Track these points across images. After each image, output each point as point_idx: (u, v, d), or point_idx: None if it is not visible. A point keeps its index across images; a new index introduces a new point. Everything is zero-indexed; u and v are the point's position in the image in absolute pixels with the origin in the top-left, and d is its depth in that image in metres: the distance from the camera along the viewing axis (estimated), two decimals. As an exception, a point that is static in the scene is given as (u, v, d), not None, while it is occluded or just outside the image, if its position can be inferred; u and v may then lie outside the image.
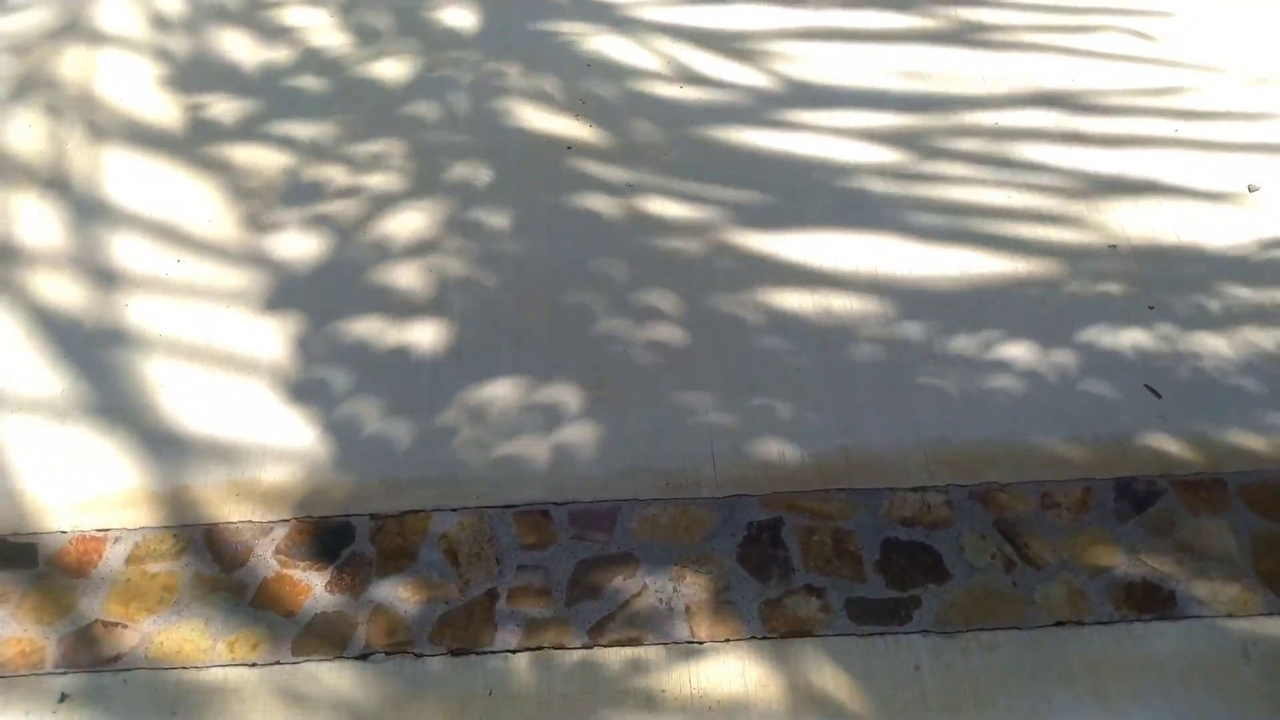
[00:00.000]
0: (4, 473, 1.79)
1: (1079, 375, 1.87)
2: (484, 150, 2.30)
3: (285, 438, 1.82)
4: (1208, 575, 1.62)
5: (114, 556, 1.68)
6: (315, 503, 1.73)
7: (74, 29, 2.57)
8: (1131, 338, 1.92)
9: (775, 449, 1.78)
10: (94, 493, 1.76)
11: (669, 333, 1.96)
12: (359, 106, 2.40)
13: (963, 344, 1.93)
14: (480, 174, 2.25)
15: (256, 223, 2.16)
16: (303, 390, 1.88)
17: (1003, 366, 1.89)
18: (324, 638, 1.59)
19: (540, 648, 1.57)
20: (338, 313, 2.00)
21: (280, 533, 1.70)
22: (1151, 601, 1.59)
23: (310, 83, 2.46)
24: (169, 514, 1.73)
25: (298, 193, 2.21)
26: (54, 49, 2.51)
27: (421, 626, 1.59)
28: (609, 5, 2.64)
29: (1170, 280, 2.02)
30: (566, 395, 1.87)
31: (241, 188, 2.22)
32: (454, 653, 1.57)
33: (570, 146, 2.30)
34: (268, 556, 1.67)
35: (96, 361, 1.93)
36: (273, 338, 1.96)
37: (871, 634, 1.57)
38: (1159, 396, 1.84)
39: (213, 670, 1.56)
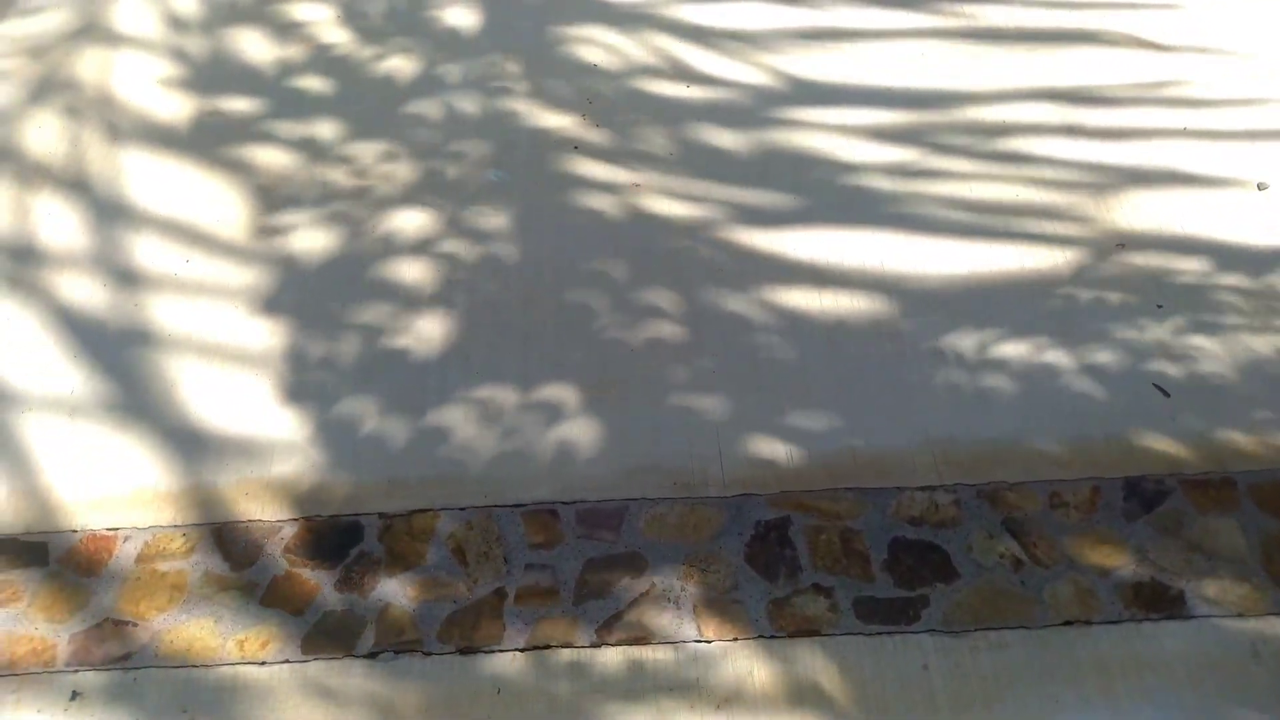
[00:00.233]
0: (16, 471, 1.80)
1: (1087, 374, 1.87)
2: (489, 149, 2.30)
3: (294, 437, 1.82)
4: (1217, 575, 1.61)
5: (124, 555, 1.69)
6: (324, 502, 1.74)
7: (91, 30, 2.58)
8: (1140, 336, 1.92)
9: (783, 448, 1.78)
10: (104, 491, 1.77)
11: (676, 331, 1.96)
12: (366, 105, 2.40)
13: (970, 342, 1.92)
14: (486, 173, 2.25)
15: (266, 221, 2.17)
16: (312, 389, 1.89)
17: (1010, 365, 1.89)
18: (333, 636, 1.59)
19: (548, 646, 1.57)
20: (346, 312, 2.01)
21: (289, 531, 1.70)
22: (1160, 601, 1.59)
23: (319, 82, 2.47)
24: (179, 513, 1.73)
25: (306, 191, 2.22)
26: (71, 50, 2.52)
27: (430, 625, 1.60)
28: (613, 4, 2.64)
29: (1179, 277, 2.01)
30: (573, 394, 1.87)
31: (252, 186, 2.23)
32: (462, 651, 1.57)
33: (576, 146, 2.30)
34: (277, 555, 1.68)
35: (107, 360, 1.94)
36: (282, 336, 1.97)
37: (879, 633, 1.57)
38: (1167, 395, 1.83)
39: (222, 668, 1.56)
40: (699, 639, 1.57)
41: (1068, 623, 1.57)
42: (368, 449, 1.81)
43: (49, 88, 2.44)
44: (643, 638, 1.57)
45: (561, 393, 1.87)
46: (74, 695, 1.54)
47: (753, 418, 1.83)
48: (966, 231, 2.11)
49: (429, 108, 2.40)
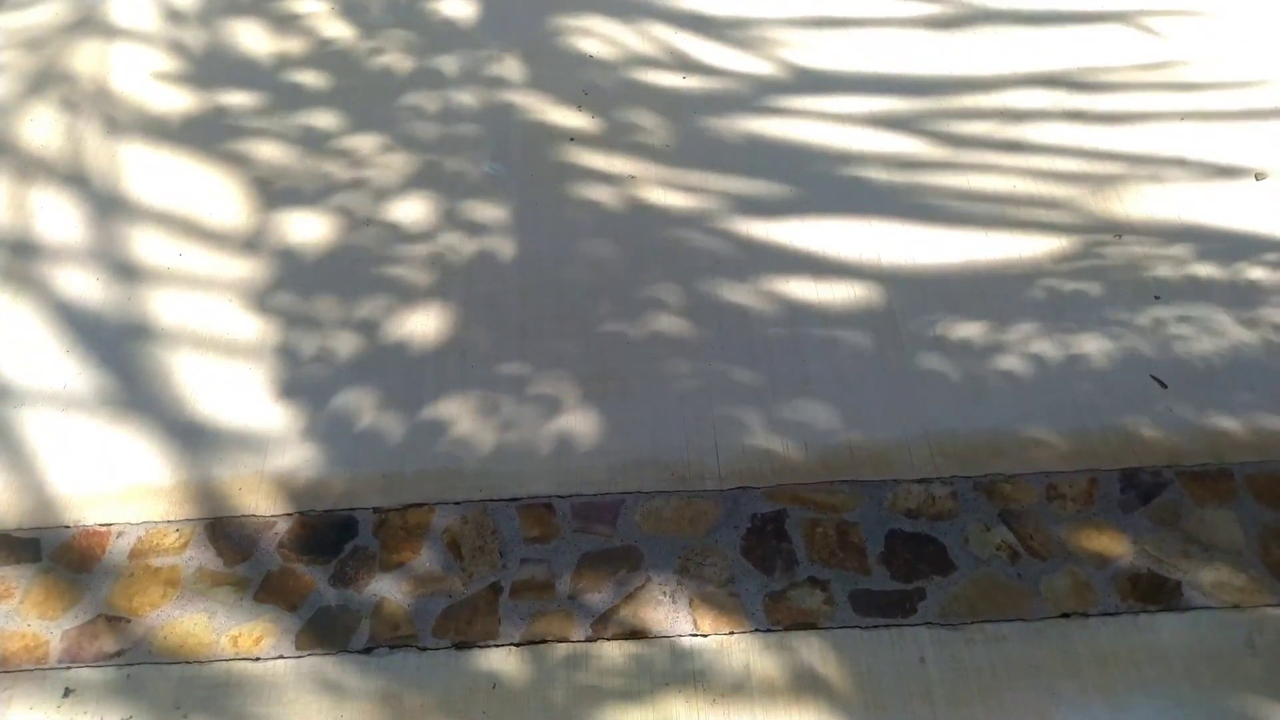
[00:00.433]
0: (9, 466, 1.79)
1: (1084, 365, 1.86)
2: (486, 141, 2.29)
3: (289, 431, 1.81)
4: (1214, 566, 1.61)
5: (118, 551, 1.68)
6: (319, 496, 1.73)
7: (87, 23, 2.56)
8: (1138, 327, 1.91)
9: (779, 441, 1.78)
10: (98, 486, 1.76)
11: (672, 324, 1.95)
12: (363, 98, 2.39)
13: (967, 334, 1.92)
14: (483, 165, 2.24)
15: (262, 214, 2.15)
16: (307, 383, 1.88)
17: (1007, 357, 1.88)
18: (328, 632, 1.58)
19: (544, 641, 1.56)
20: (342, 306, 1.99)
21: (284, 526, 1.70)
22: (1157, 593, 1.59)
23: (316, 75, 2.45)
24: (173, 508, 1.73)
25: (303, 184, 2.21)
26: (68, 43, 2.51)
27: (425, 620, 1.59)
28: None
29: (1176, 268, 2.00)
30: (570, 387, 1.86)
31: (248, 179, 2.22)
32: (458, 646, 1.56)
33: (573, 138, 2.29)
34: (271, 550, 1.67)
35: (101, 355, 1.93)
36: (278, 330, 1.96)
37: (876, 626, 1.56)
38: (1165, 387, 1.83)
39: (217, 664, 1.56)
40: (695, 633, 1.57)
41: (1065, 615, 1.57)
42: (363, 443, 1.80)
43: (45, 81, 2.43)
44: (639, 632, 1.57)
45: (557, 386, 1.87)
46: (67, 692, 1.53)
47: (749, 411, 1.82)
48: (964, 221, 2.10)
49: (426, 100, 2.39)
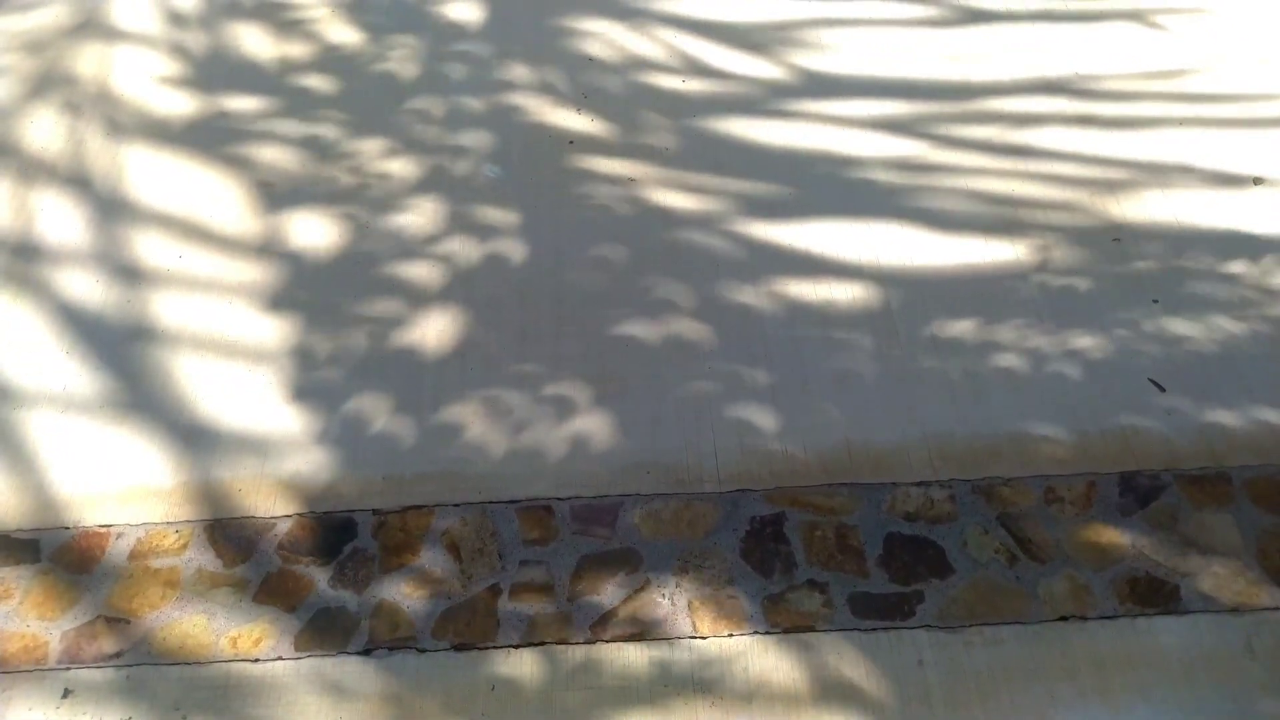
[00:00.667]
0: (8, 467, 1.79)
1: (1083, 369, 1.87)
2: (488, 144, 2.29)
3: (289, 433, 1.81)
4: (1212, 569, 1.61)
5: (117, 552, 1.68)
6: (318, 498, 1.73)
7: (89, 25, 2.57)
8: (1136, 331, 1.92)
9: (778, 443, 1.78)
10: (97, 488, 1.76)
11: (671, 326, 1.95)
12: (365, 101, 2.40)
13: (965, 337, 1.92)
14: (482, 169, 2.24)
15: (263, 217, 2.16)
16: (307, 386, 1.88)
17: (1006, 359, 1.88)
18: (327, 633, 1.59)
19: (543, 643, 1.57)
20: (343, 308, 2.00)
21: (283, 528, 1.70)
22: (1156, 596, 1.59)
23: (319, 78, 2.46)
24: (172, 509, 1.73)
25: (303, 187, 2.21)
26: (70, 46, 2.51)
27: (424, 622, 1.59)
28: (628, 1, 2.63)
29: (1175, 272, 2.01)
30: (569, 390, 1.86)
31: (250, 182, 2.22)
32: (457, 648, 1.57)
33: (572, 141, 2.29)
34: (271, 552, 1.67)
35: (101, 356, 1.93)
36: (277, 333, 1.96)
37: (874, 629, 1.56)
38: (1163, 390, 1.83)
39: (216, 665, 1.56)
40: (694, 635, 1.57)
41: (1063, 618, 1.57)
42: (362, 445, 1.80)
43: (47, 83, 2.43)
44: (637, 634, 1.57)
45: (557, 389, 1.87)
46: (66, 693, 1.54)
47: (748, 413, 1.82)
48: (963, 224, 2.10)
49: (428, 104, 2.39)
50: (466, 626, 1.59)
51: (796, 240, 2.08)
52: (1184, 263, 2.02)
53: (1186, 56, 2.43)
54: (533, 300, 2.01)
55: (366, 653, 1.56)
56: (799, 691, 1.51)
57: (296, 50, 2.52)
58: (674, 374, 1.88)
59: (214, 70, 2.47)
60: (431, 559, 1.66)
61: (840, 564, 1.63)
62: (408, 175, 2.23)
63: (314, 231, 2.13)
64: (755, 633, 1.57)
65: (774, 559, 1.64)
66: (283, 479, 1.76)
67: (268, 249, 2.10)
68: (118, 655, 1.57)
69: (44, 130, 2.32)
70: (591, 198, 2.18)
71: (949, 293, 1.99)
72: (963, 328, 1.93)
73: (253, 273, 2.06)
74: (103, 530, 1.71)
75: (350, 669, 1.55)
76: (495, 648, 1.56)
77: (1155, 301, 1.96)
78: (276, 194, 2.20)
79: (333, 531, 1.69)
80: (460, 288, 2.03)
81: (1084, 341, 1.90)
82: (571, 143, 2.29)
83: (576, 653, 1.56)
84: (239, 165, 2.26)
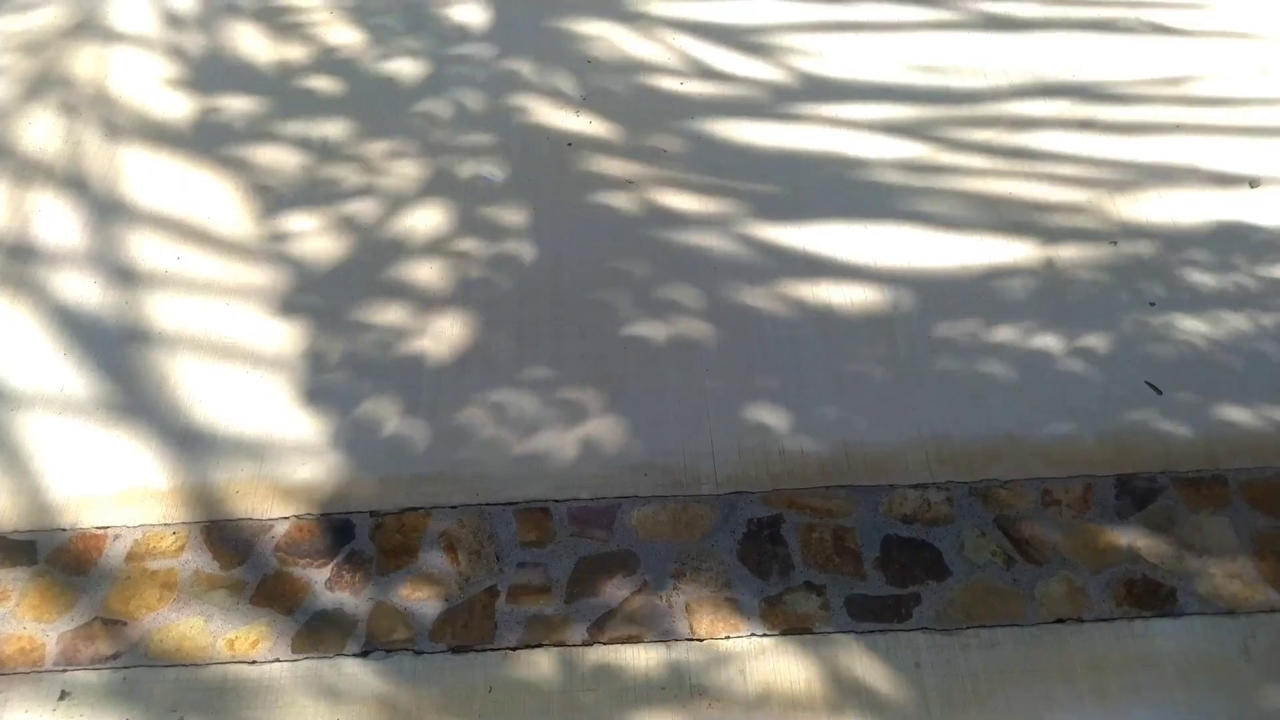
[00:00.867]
0: (5, 469, 1.79)
1: (1080, 371, 1.87)
2: (488, 147, 2.29)
3: (286, 435, 1.81)
4: (1208, 572, 1.62)
5: (114, 554, 1.68)
6: (315, 500, 1.73)
7: (87, 27, 2.57)
8: (1133, 333, 1.92)
9: (775, 445, 1.78)
10: (94, 490, 1.76)
11: (669, 329, 1.96)
12: (366, 103, 2.39)
13: (963, 339, 1.92)
14: (485, 171, 2.24)
15: (260, 219, 2.16)
16: (304, 388, 1.88)
17: (1003, 362, 1.89)
18: (324, 634, 1.58)
19: (540, 645, 1.57)
20: (340, 309, 2.00)
21: (280, 530, 1.70)
22: (1152, 598, 1.59)
23: (318, 80, 2.45)
24: (169, 511, 1.73)
25: (300, 188, 2.21)
26: (67, 47, 2.51)
27: (422, 624, 1.59)
28: (625, 3, 2.63)
29: (1172, 274, 2.01)
30: (567, 392, 1.86)
31: (247, 184, 2.22)
32: (454, 650, 1.57)
33: (570, 143, 2.29)
34: (268, 554, 1.67)
35: (98, 358, 1.93)
36: (274, 336, 1.96)
37: (871, 631, 1.57)
38: (1160, 393, 1.84)
39: (213, 667, 1.56)
40: (691, 637, 1.57)
41: (1060, 620, 1.57)
42: (360, 447, 1.80)
43: (45, 84, 2.43)
44: (635, 636, 1.57)
45: (555, 391, 1.87)
46: (63, 695, 1.53)
47: (746, 415, 1.82)
48: (960, 226, 2.11)
49: (428, 106, 2.39)
50: (464, 628, 1.59)
51: (795, 242, 2.09)
52: (1181, 265, 2.03)
53: (1188, 62, 2.44)
54: (531, 302, 2.01)
55: (364, 655, 1.56)
56: (796, 694, 1.51)
57: (295, 52, 2.52)
58: (672, 376, 1.88)
59: (212, 72, 2.47)
60: (429, 561, 1.66)
61: (837, 566, 1.64)
62: (406, 177, 2.23)
63: (311, 233, 2.13)
64: (752, 635, 1.57)
65: (771, 561, 1.64)
66: (280, 481, 1.76)
67: (265, 251, 2.10)
68: (115, 657, 1.57)
69: (41, 131, 2.32)
70: (590, 200, 2.18)
71: (947, 295, 1.99)
72: (961, 330, 1.94)
73: (250, 275, 2.06)
74: (100, 532, 1.70)
75: (348, 671, 1.55)
76: (493, 650, 1.56)
77: (1152, 304, 1.96)
78: (274, 196, 2.20)
79: (330, 533, 1.69)
80: (458, 290, 2.03)
81: (1081, 344, 1.91)
82: (570, 144, 2.29)
83: (574, 655, 1.56)
84: (237, 167, 2.26)
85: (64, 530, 1.71)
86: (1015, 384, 1.85)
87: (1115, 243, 2.07)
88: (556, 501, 1.72)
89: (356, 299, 2.01)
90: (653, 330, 1.95)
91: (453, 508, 1.72)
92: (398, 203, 2.18)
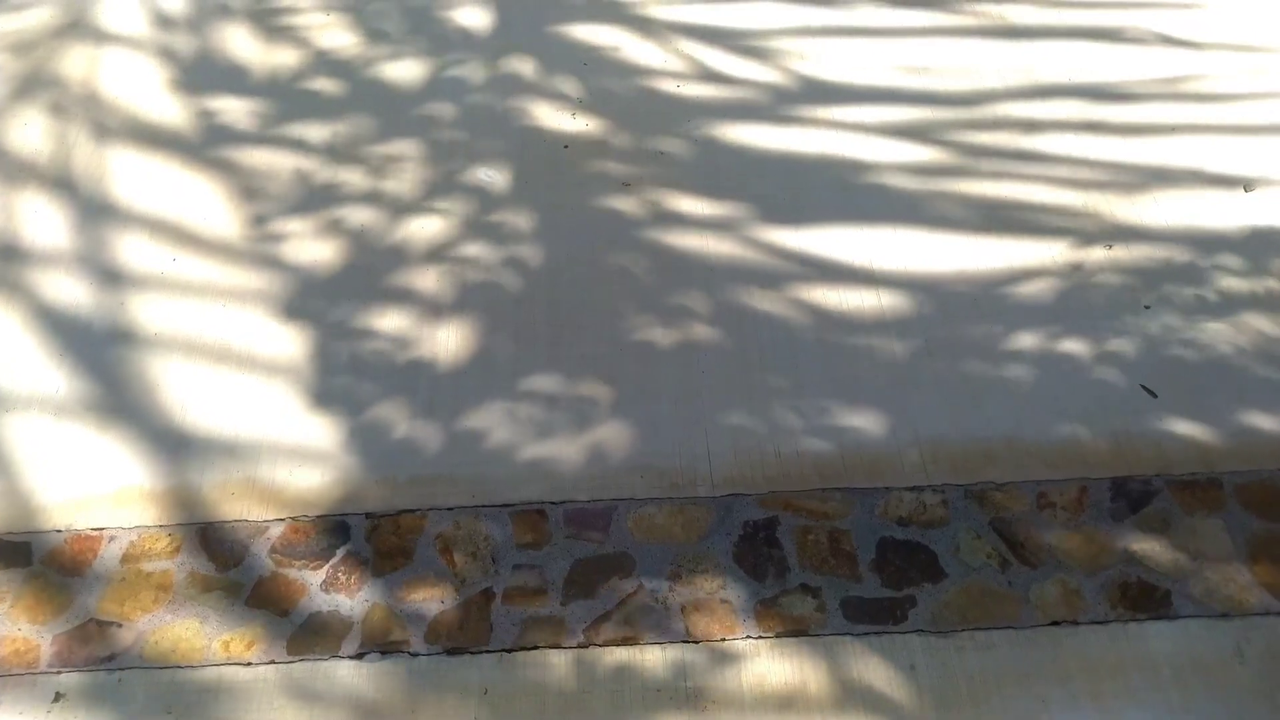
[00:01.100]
0: (0, 471, 1.79)
1: (1075, 374, 1.87)
2: (491, 150, 2.29)
3: (281, 437, 1.81)
4: (1203, 575, 1.62)
5: (109, 555, 1.68)
6: (311, 502, 1.73)
7: (77, 27, 2.56)
8: (1128, 336, 1.92)
9: (772, 447, 1.78)
10: (89, 491, 1.75)
11: (666, 331, 1.96)
12: (360, 105, 2.39)
13: (959, 341, 1.92)
14: (482, 172, 2.24)
15: (258, 222, 2.15)
16: (299, 391, 1.88)
17: (998, 364, 1.89)
18: (320, 636, 1.58)
19: (536, 647, 1.57)
20: (334, 312, 2.00)
21: (276, 532, 1.70)
22: (1147, 601, 1.59)
23: (311, 81, 2.45)
24: (164, 513, 1.72)
25: (293, 192, 2.21)
26: (57, 47, 2.50)
27: (417, 625, 1.59)
28: (618, 4, 2.64)
29: (1167, 277, 2.02)
30: (564, 394, 1.86)
31: (249, 188, 2.22)
32: (450, 652, 1.56)
33: (567, 145, 2.30)
34: (263, 555, 1.67)
35: (92, 360, 1.93)
36: (266, 336, 1.96)
37: (867, 633, 1.57)
38: (1155, 396, 1.84)
39: (208, 669, 1.55)
40: (687, 639, 1.57)
41: (1054, 623, 1.57)
42: (355, 449, 1.80)
43: (34, 85, 2.42)
44: (631, 638, 1.57)
45: (551, 393, 1.87)
46: (57, 696, 1.53)
47: (742, 417, 1.83)
48: (958, 228, 2.11)
49: (427, 108, 2.39)
50: (460, 630, 1.59)
51: (792, 244, 2.09)
52: (1176, 269, 2.03)
53: (1190, 64, 2.44)
54: (528, 304, 2.01)
55: (359, 657, 1.56)
56: (791, 696, 1.51)
57: (292, 55, 2.52)
58: (669, 378, 1.88)
59: (207, 74, 2.47)
60: (425, 563, 1.66)
61: (833, 568, 1.64)
62: (403, 179, 2.23)
63: (305, 236, 2.12)
64: (748, 637, 1.57)
65: (767, 563, 1.64)
66: (275, 483, 1.76)
67: (260, 254, 2.10)
68: (109, 659, 1.57)
69: (32, 132, 2.31)
70: (588, 201, 2.18)
71: (942, 296, 1.99)
72: (956, 333, 1.94)
73: (245, 278, 2.06)
74: (95, 534, 1.70)
75: (343, 673, 1.55)
76: (489, 652, 1.56)
77: (1147, 307, 1.97)
78: (267, 198, 2.19)
79: (326, 535, 1.69)
80: (454, 292, 2.03)
81: (1076, 347, 1.91)
82: (566, 147, 2.29)
83: (570, 657, 1.56)
84: (232, 170, 2.26)
85: (59, 532, 1.71)
86: (1011, 387, 1.86)
87: (1110, 246, 2.07)
88: (553, 503, 1.72)
89: (352, 302, 2.01)
90: (650, 332, 1.95)
91: (449, 509, 1.72)
92: (394, 205, 2.18)
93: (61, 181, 2.23)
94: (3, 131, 2.33)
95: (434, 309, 2.00)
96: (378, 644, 1.57)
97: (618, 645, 1.57)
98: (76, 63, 2.47)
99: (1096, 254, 2.06)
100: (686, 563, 1.65)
